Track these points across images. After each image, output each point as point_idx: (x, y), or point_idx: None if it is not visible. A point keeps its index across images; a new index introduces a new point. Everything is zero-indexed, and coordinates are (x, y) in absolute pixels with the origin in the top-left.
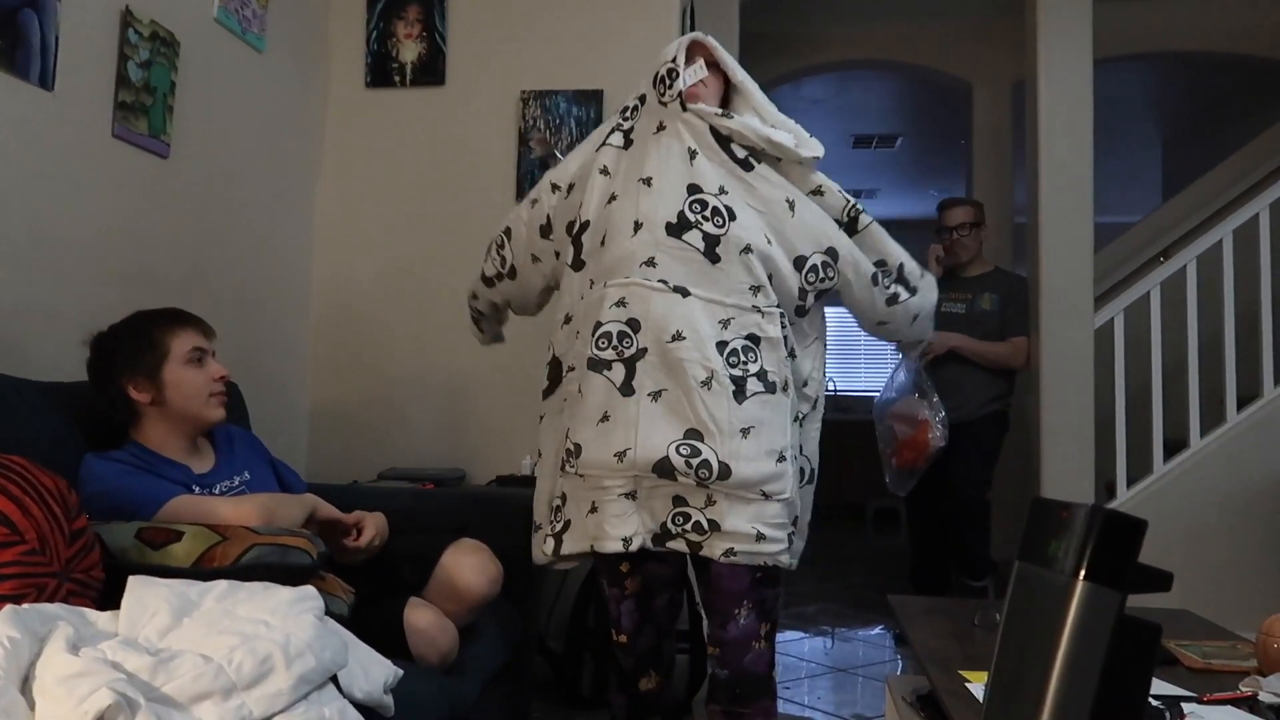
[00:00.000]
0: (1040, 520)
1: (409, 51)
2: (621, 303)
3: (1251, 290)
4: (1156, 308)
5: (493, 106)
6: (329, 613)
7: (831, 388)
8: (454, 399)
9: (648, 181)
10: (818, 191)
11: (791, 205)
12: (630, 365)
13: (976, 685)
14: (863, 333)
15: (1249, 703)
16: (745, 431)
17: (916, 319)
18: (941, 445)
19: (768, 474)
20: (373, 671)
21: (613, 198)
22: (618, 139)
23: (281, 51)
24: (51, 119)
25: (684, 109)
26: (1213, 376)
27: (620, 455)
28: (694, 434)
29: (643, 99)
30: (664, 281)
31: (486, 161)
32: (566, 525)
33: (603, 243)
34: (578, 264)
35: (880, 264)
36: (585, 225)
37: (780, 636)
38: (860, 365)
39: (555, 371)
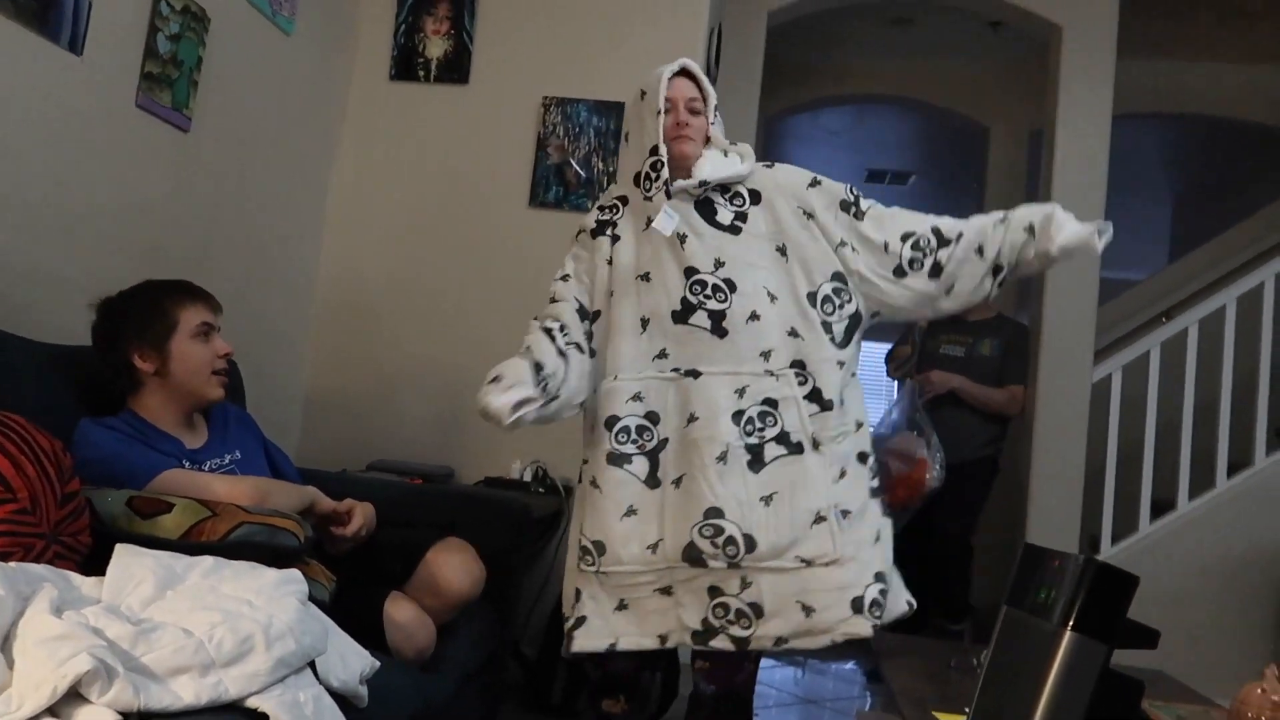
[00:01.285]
0: (1031, 567)
1: (435, 47)
2: (638, 397)
3: (1250, 358)
4: (1155, 367)
5: (514, 109)
6: (311, 598)
7: None
8: (449, 397)
9: (645, 277)
10: (815, 183)
11: (783, 250)
12: (653, 457)
13: None
14: (859, 366)
15: None
16: (767, 499)
17: (982, 251)
18: (937, 486)
19: (799, 537)
20: (350, 661)
21: (610, 294)
22: (608, 231)
23: (309, 36)
24: (77, 84)
25: (668, 196)
26: (1205, 441)
27: (653, 547)
28: (714, 512)
29: (624, 200)
30: (676, 370)
31: (502, 163)
32: (580, 622)
33: (608, 337)
34: (592, 352)
35: (908, 237)
36: (597, 314)
37: None
38: None
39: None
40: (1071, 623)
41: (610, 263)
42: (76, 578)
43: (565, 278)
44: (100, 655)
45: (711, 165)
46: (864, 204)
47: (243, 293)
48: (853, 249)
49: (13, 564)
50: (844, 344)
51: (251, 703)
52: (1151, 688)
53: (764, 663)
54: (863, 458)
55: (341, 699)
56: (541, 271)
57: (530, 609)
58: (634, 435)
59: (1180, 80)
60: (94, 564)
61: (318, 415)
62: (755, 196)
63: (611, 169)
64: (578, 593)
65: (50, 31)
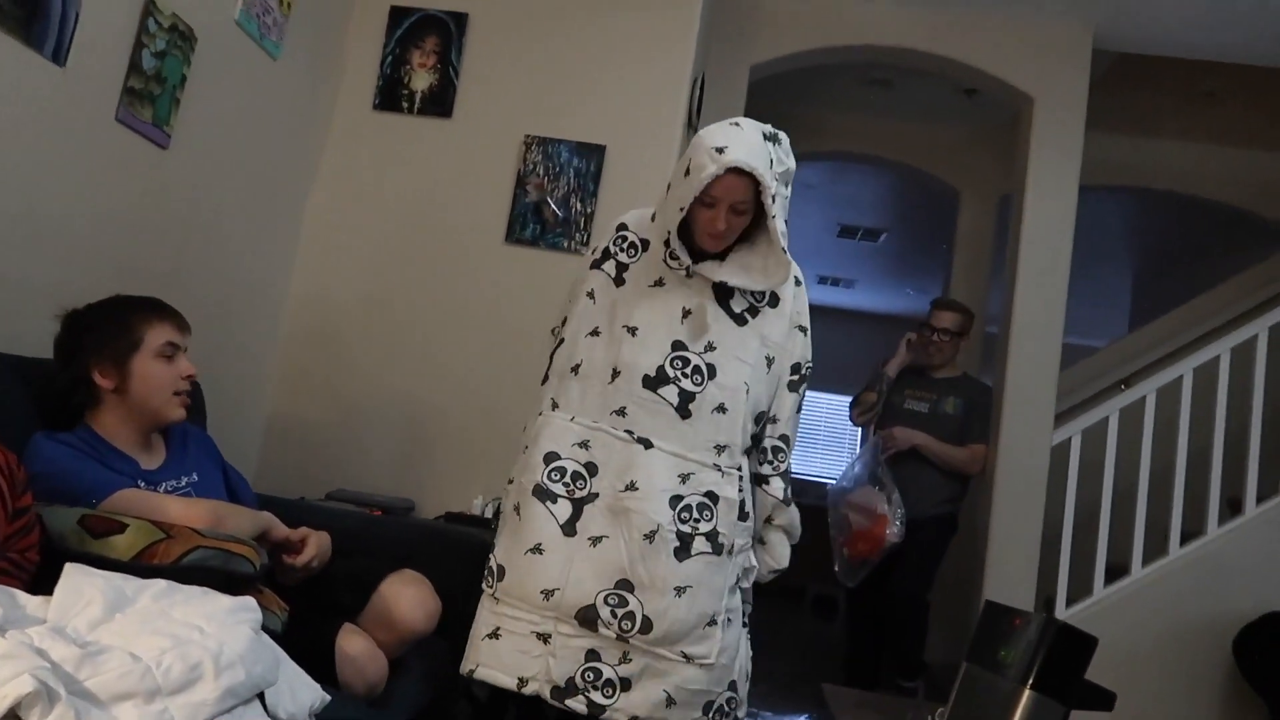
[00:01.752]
0: (992, 625)
1: (421, 80)
2: (585, 444)
3: (1205, 429)
4: (1113, 433)
5: (495, 146)
6: (263, 627)
7: None
8: (412, 430)
9: (633, 331)
10: (803, 330)
11: (770, 362)
12: (578, 506)
13: None
14: (823, 418)
15: None
16: (680, 590)
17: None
18: (897, 541)
19: (692, 634)
20: (300, 693)
21: (595, 331)
22: (610, 267)
23: (295, 61)
24: (59, 95)
25: (688, 275)
26: (1159, 508)
27: (547, 594)
28: (625, 584)
29: (645, 244)
30: (629, 432)
31: (481, 199)
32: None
33: (575, 371)
34: (545, 377)
35: (773, 420)
36: (561, 341)
37: None
38: (818, 450)
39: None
40: (1031, 681)
41: (592, 296)
42: (22, 596)
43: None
44: (43, 677)
45: (740, 273)
46: (803, 385)
47: (210, 312)
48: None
49: None
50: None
51: None
52: None
53: None
54: (745, 572)
55: None
56: (514, 308)
57: None
58: (567, 478)
59: (1147, 156)
60: (42, 583)
61: (279, 440)
62: (775, 300)
63: (590, 210)
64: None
65: (35, 41)
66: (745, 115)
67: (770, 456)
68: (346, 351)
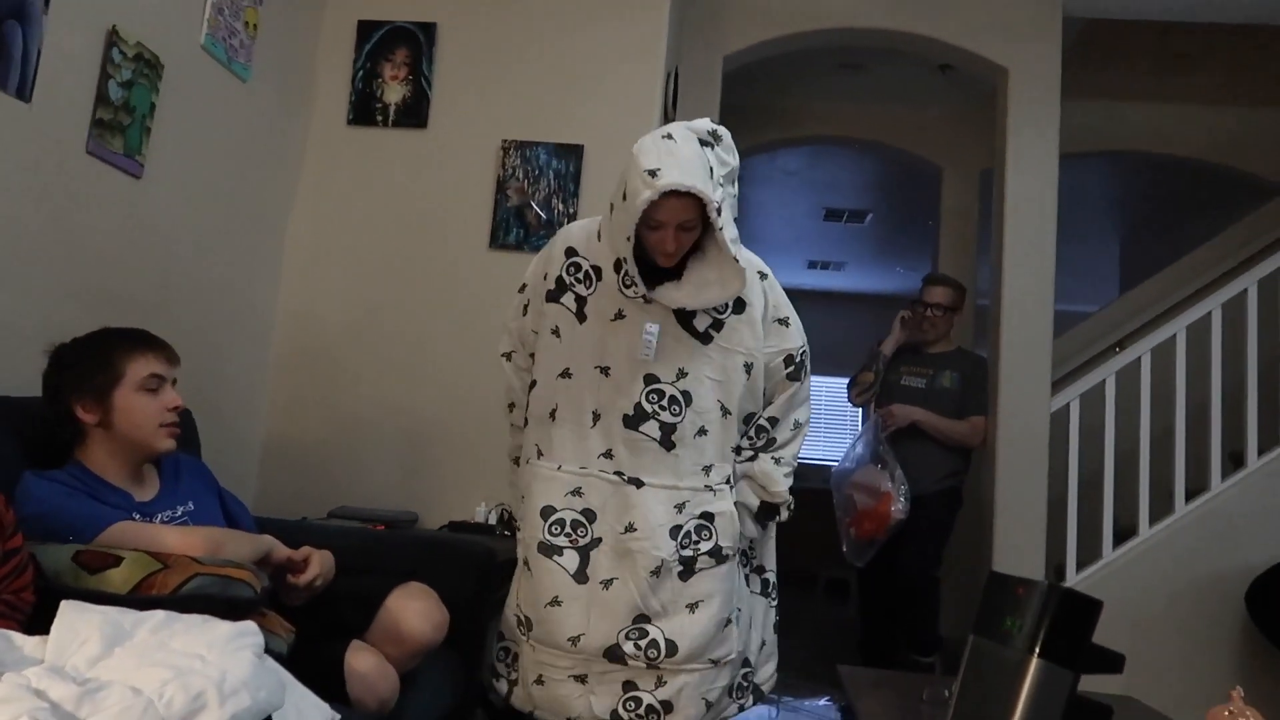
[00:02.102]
0: (996, 596)
1: (394, 93)
2: (577, 491)
3: (1203, 385)
4: (1111, 396)
5: (473, 153)
6: (268, 651)
7: None
8: (410, 442)
9: (605, 371)
10: (784, 322)
11: (749, 368)
12: (584, 554)
13: None
14: (822, 402)
15: None
16: (693, 607)
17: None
18: (902, 518)
19: (714, 642)
20: (309, 714)
21: (566, 373)
22: (570, 300)
23: (266, 82)
24: (26, 130)
25: (646, 301)
26: (1163, 467)
27: (574, 640)
28: (642, 618)
29: (598, 271)
30: (620, 474)
31: (462, 207)
32: (514, 683)
33: (552, 416)
34: (522, 419)
35: (771, 420)
36: (533, 384)
37: None
38: (819, 432)
39: (513, 522)
40: (1038, 650)
41: (557, 334)
42: (18, 637)
43: (535, 333)
44: (42, 719)
45: (695, 293)
46: (801, 372)
47: (199, 339)
48: (767, 400)
49: None
50: (748, 459)
51: None
52: (1119, 713)
53: None
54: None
55: None
56: (501, 313)
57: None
58: (567, 528)
59: (1124, 120)
60: (39, 622)
61: (277, 463)
62: (740, 305)
63: (572, 211)
64: (516, 656)
65: None
66: (721, 107)
67: (754, 435)
68: (338, 369)
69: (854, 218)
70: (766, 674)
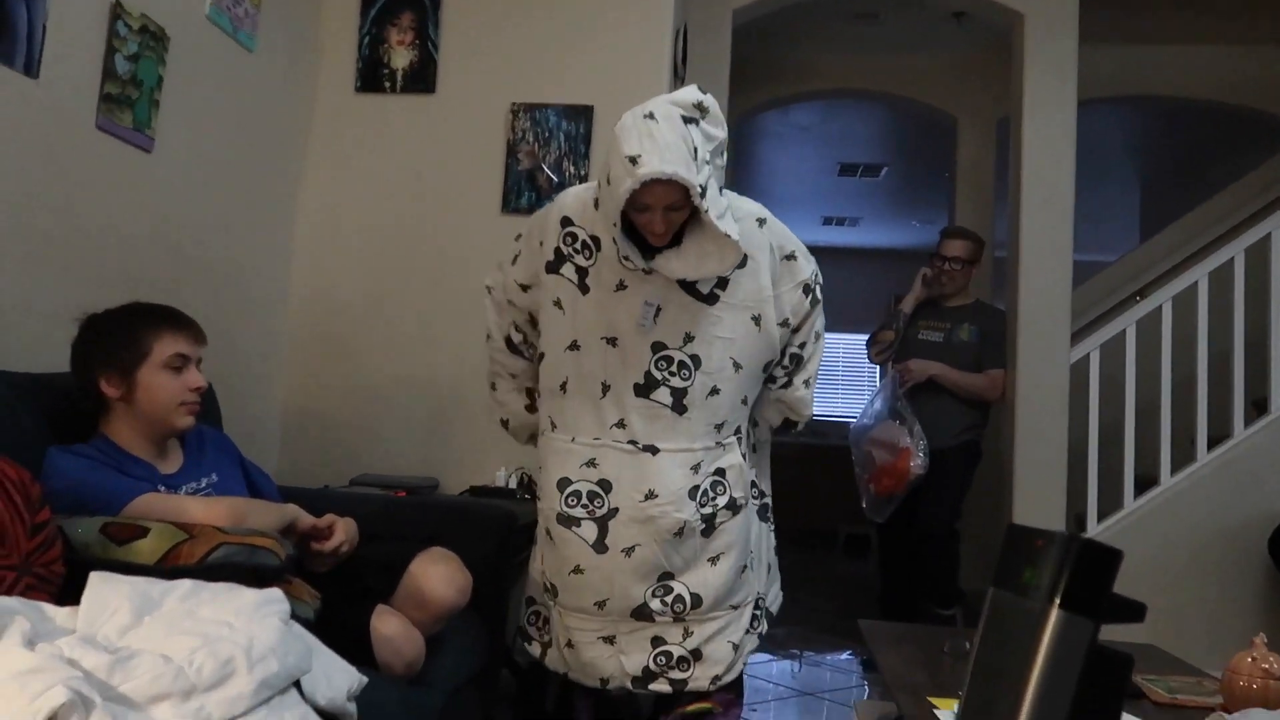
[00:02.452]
0: (1015, 547)
1: (400, 58)
2: (592, 463)
3: (1225, 333)
4: (1132, 345)
5: (482, 117)
6: (294, 617)
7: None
8: (429, 408)
9: (612, 342)
10: (791, 257)
11: (758, 320)
12: (603, 524)
13: (945, 712)
14: (840, 358)
15: None
16: (714, 560)
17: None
18: (922, 473)
19: (734, 589)
20: (336, 678)
21: (574, 345)
22: (570, 272)
23: (272, 51)
24: (35, 107)
25: (646, 273)
26: (1184, 416)
27: (599, 604)
28: (666, 576)
29: (597, 241)
30: (634, 442)
31: (473, 171)
32: (548, 645)
33: (563, 388)
34: (534, 394)
35: (801, 346)
36: (541, 355)
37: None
38: (837, 390)
39: (533, 486)
40: (1058, 600)
41: (560, 305)
42: (50, 609)
43: (525, 288)
44: (76, 686)
45: (696, 264)
46: (818, 295)
47: (214, 312)
48: (793, 329)
49: None
50: (781, 387)
51: None
52: (1142, 661)
53: (761, 656)
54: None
55: (331, 717)
56: None
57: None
58: (584, 500)
59: (1143, 64)
60: (69, 594)
61: (297, 433)
62: (742, 260)
63: (584, 172)
64: (546, 620)
65: (4, 55)
66: (731, 63)
67: (789, 364)
68: (355, 337)
69: (869, 172)
70: (774, 595)
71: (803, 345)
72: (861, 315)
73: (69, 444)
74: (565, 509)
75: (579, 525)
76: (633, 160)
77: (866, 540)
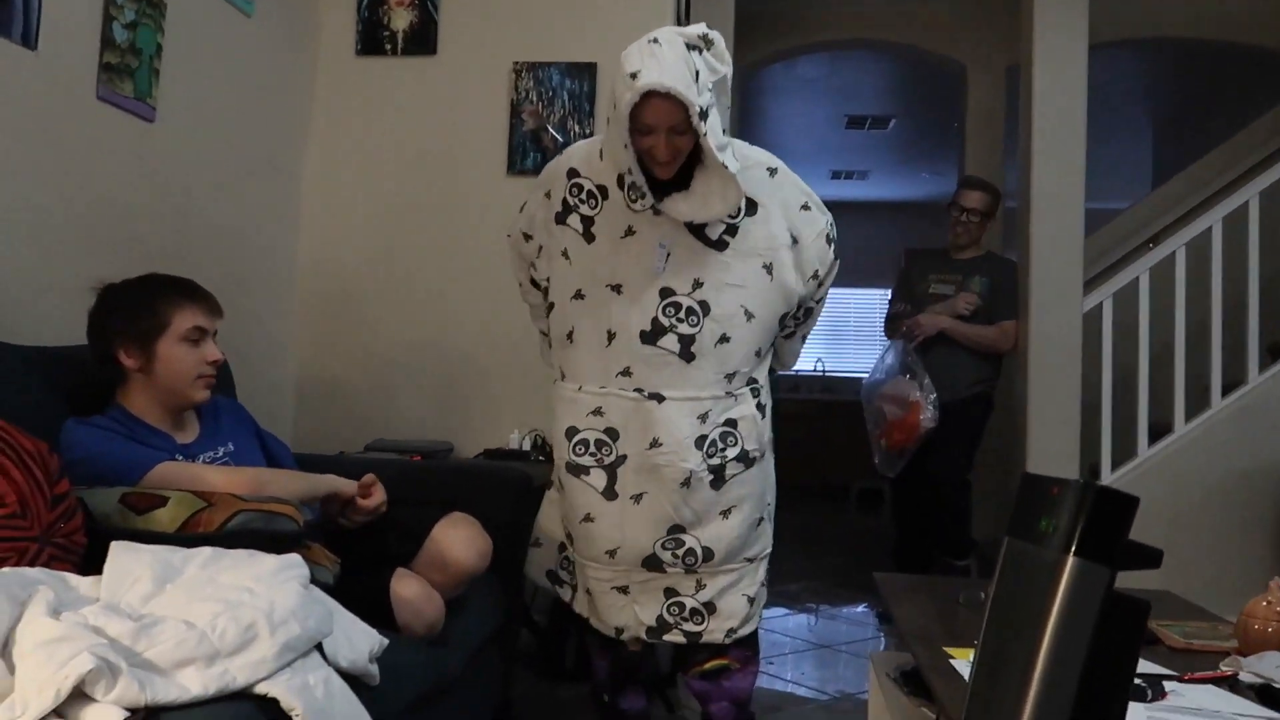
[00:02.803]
0: (1030, 496)
1: (400, 19)
2: (598, 411)
3: (1239, 278)
4: (1145, 293)
5: (485, 77)
6: (314, 581)
7: (820, 369)
8: (440, 372)
9: (617, 289)
10: (806, 208)
11: (769, 269)
12: (611, 471)
13: (961, 662)
14: (851, 316)
15: (1229, 682)
16: (726, 513)
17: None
18: (932, 426)
19: (748, 542)
20: (358, 640)
21: (579, 294)
22: (576, 222)
23: (271, 15)
24: (34, 79)
25: (656, 214)
26: (1199, 362)
27: (610, 553)
28: (676, 529)
29: (603, 190)
30: (640, 390)
31: (478, 133)
32: (573, 590)
33: (570, 337)
34: (531, 292)
35: (819, 302)
36: (551, 305)
37: (764, 613)
38: (849, 346)
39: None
40: (1073, 548)
41: (567, 255)
42: (73, 578)
43: (528, 237)
44: (101, 654)
45: (703, 206)
46: (838, 254)
47: (222, 283)
48: (819, 282)
49: (6, 569)
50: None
51: (260, 689)
52: (1158, 607)
53: (777, 610)
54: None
55: (353, 679)
56: None
57: None
58: (592, 448)
59: (1153, 5)
60: (92, 563)
61: (311, 401)
62: (752, 207)
63: (588, 130)
64: (569, 561)
65: (1, 26)
66: (735, 16)
67: (800, 315)
68: (364, 304)
69: (877, 124)
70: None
71: (819, 301)
72: (872, 270)
73: (85, 416)
74: (574, 458)
75: (588, 474)
76: (633, 76)
77: (879, 495)
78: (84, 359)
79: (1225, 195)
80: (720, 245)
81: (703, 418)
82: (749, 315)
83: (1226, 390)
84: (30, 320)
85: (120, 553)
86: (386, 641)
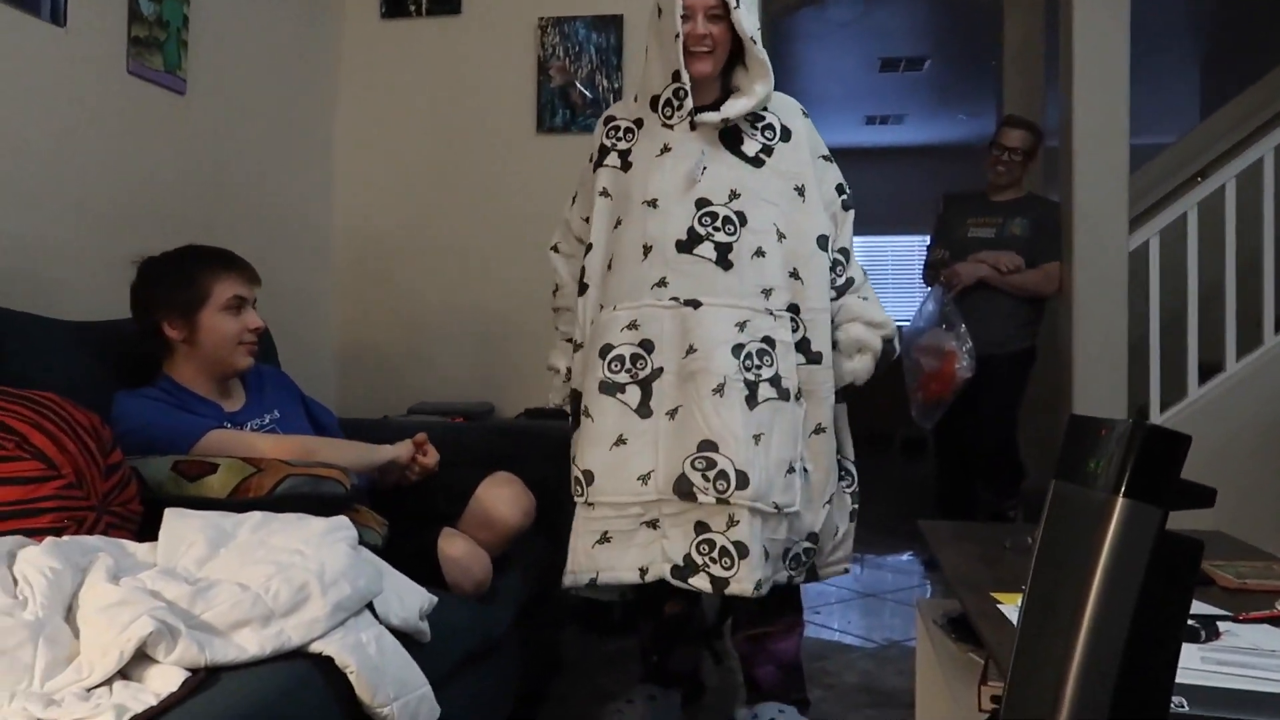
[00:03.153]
0: (1077, 438)
1: None
2: (633, 325)
3: None
4: (1193, 229)
5: (510, 35)
6: (362, 543)
7: None
8: (477, 333)
9: (653, 203)
10: (828, 159)
11: (801, 191)
12: (646, 386)
13: (1008, 607)
14: (890, 265)
15: None
16: (758, 438)
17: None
18: (968, 376)
19: (779, 485)
20: (408, 599)
21: (618, 223)
22: (614, 159)
23: None
24: (66, 56)
25: (692, 128)
26: (1250, 298)
27: (644, 479)
28: (708, 445)
29: (639, 122)
30: (675, 299)
31: (505, 92)
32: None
33: (610, 267)
34: (582, 288)
35: (842, 251)
36: (589, 248)
37: None
38: (888, 294)
39: (578, 404)
40: (1123, 489)
41: (606, 193)
42: (130, 545)
43: (587, 219)
44: (161, 616)
45: (734, 105)
46: (848, 205)
47: (259, 252)
48: (837, 227)
49: (66, 537)
50: (833, 300)
51: (315, 648)
52: (1211, 548)
53: None
54: (837, 426)
55: (404, 636)
56: (555, 199)
57: None
58: (627, 364)
59: None
60: (148, 531)
61: (352, 367)
62: (786, 134)
63: (617, 85)
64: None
65: (29, 4)
66: None
67: (834, 272)
68: (399, 267)
69: (911, 65)
70: (835, 560)
71: (844, 252)
72: (910, 217)
73: (133, 387)
74: (608, 375)
75: (623, 391)
76: None
77: (923, 442)
78: (129, 332)
79: (1276, 124)
80: (757, 162)
81: (740, 326)
82: (781, 236)
83: (1279, 326)
84: (73, 294)
85: (174, 519)
86: (436, 599)
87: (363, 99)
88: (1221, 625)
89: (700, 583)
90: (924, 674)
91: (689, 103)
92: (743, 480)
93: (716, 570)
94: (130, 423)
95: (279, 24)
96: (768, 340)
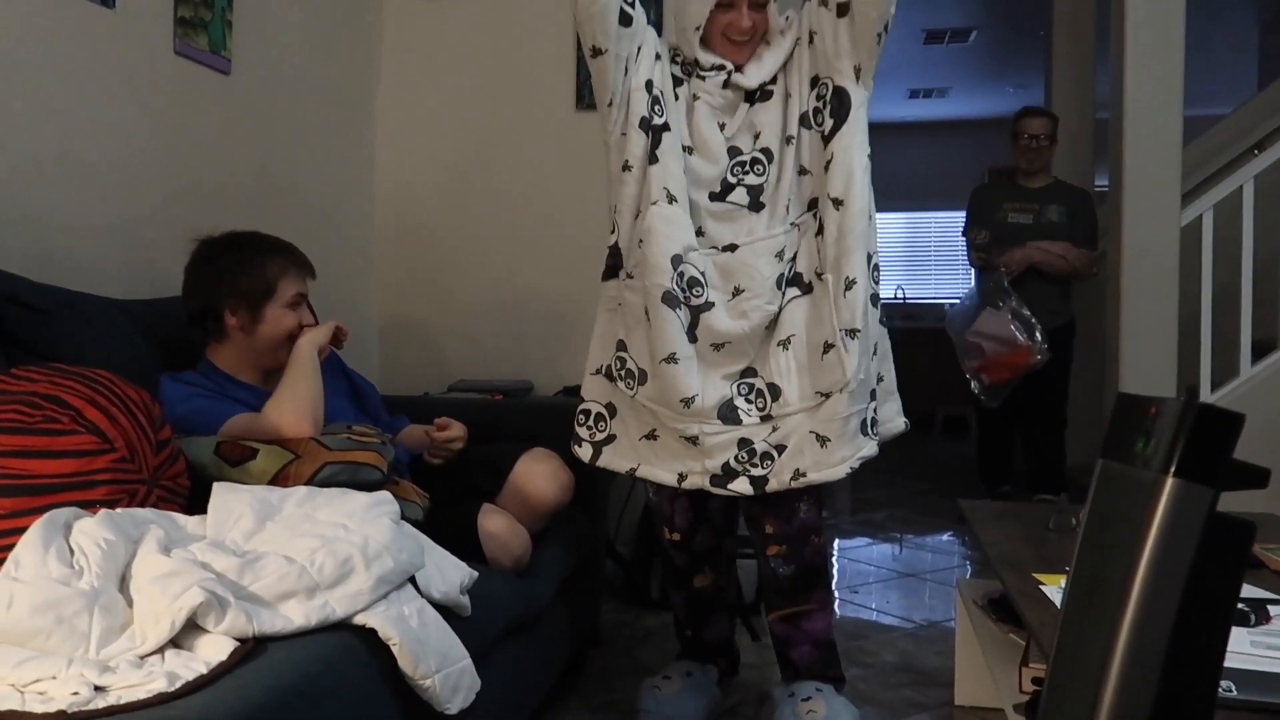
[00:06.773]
0: (1126, 417)
1: None
2: (690, 250)
3: None
4: (1249, 202)
5: (550, 9)
6: (404, 518)
7: (900, 295)
8: (518, 311)
9: (689, 150)
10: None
11: (815, 81)
12: (696, 314)
13: (1050, 588)
14: (933, 241)
15: None
16: (785, 343)
17: None
18: (1042, 359)
19: (815, 374)
20: (449, 573)
21: (654, 159)
22: (652, 88)
23: None
24: (114, 37)
25: (725, 85)
26: None
27: (687, 402)
28: (749, 371)
29: (677, 81)
30: (714, 247)
31: (545, 68)
32: (611, 439)
33: (655, 203)
34: (641, 166)
35: None
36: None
37: (848, 543)
38: (929, 271)
39: (616, 259)
40: (1174, 469)
41: (643, 126)
42: (180, 518)
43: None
44: (210, 587)
45: (766, 65)
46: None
47: (303, 228)
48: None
49: (119, 510)
50: (838, 126)
51: (359, 620)
52: (1263, 530)
53: (861, 540)
54: (870, 264)
55: (445, 610)
56: (598, 175)
57: (622, 509)
58: (685, 283)
59: None
60: (194, 505)
61: (395, 344)
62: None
63: None
64: (612, 407)
65: None
66: None
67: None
68: (442, 245)
69: (957, 37)
70: (886, 415)
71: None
72: (954, 191)
73: (177, 370)
74: (675, 288)
75: (680, 309)
76: None
77: (964, 421)
78: (175, 311)
79: None
80: (766, 95)
81: (779, 255)
82: (802, 170)
83: None
84: (121, 272)
85: (222, 492)
86: (476, 574)
87: (404, 76)
88: (1272, 609)
89: (740, 487)
90: (963, 654)
91: (724, 62)
92: (775, 391)
93: (756, 471)
94: (175, 408)
95: (321, 2)
96: (795, 258)
